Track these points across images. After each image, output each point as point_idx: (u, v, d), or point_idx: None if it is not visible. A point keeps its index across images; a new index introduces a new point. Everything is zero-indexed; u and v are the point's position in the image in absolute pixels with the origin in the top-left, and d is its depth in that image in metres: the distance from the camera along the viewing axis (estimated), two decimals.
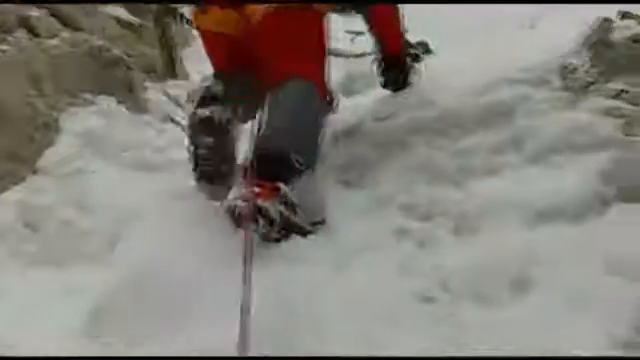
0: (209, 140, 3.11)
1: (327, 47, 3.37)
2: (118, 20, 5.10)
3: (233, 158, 3.19)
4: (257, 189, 2.78)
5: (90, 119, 3.92)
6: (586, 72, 3.14)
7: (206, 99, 3.20)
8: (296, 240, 2.76)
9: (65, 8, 4.51)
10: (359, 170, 3.27)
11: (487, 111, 3.15)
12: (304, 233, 2.84)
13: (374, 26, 3.86)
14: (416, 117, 3.36)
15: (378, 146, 3.33)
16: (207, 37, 3.49)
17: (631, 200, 2.41)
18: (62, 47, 4.10)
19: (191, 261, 2.69)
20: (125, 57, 4.58)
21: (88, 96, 4.08)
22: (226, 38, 3.33)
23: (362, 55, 4.35)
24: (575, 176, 2.56)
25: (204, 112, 3.11)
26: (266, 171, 2.84)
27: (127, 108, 4.31)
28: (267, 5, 3.13)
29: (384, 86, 3.97)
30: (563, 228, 2.42)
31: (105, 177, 3.48)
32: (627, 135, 2.66)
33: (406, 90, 3.85)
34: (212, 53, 3.54)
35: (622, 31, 3.28)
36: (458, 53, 4.28)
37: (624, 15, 3.48)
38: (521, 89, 3.18)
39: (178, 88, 5.02)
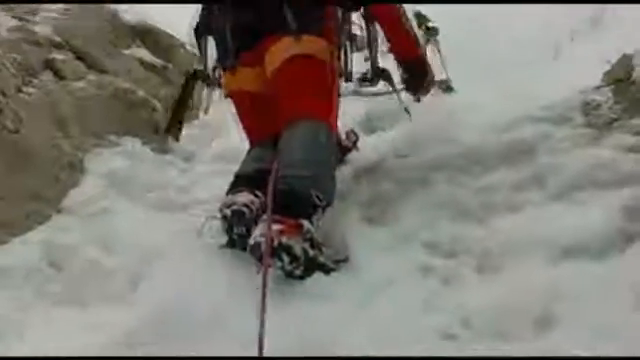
0: (242, 229, 3.10)
1: (338, 91, 3.46)
2: (142, 62, 5.16)
3: None
4: (280, 226, 2.77)
5: (115, 160, 3.98)
6: (609, 109, 3.14)
7: (238, 180, 3.32)
8: (319, 277, 2.74)
9: (90, 51, 4.58)
10: (381, 207, 3.27)
11: (509, 148, 3.16)
12: (327, 270, 2.83)
13: (385, 33, 3.75)
14: (438, 154, 3.37)
15: (400, 183, 3.33)
16: (237, 98, 3.62)
17: None
18: (88, 89, 4.17)
19: (213, 300, 2.68)
20: (149, 98, 4.64)
21: (113, 137, 4.14)
22: (252, 96, 3.49)
23: (381, 94, 4.37)
24: (599, 213, 2.55)
25: (236, 202, 3.13)
26: (288, 209, 2.84)
27: (151, 149, 4.36)
28: (282, 54, 3.25)
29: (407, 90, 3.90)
30: (587, 265, 2.40)
31: (129, 217, 3.51)
32: None
33: (427, 127, 3.85)
34: (241, 114, 3.67)
35: None
36: (479, 87, 4.31)
37: None
38: (543, 126, 3.19)
39: (200, 128, 5.07)
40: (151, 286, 2.93)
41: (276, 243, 2.72)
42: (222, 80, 3.68)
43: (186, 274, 2.95)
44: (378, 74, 3.70)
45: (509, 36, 6.44)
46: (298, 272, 2.79)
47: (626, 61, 3.41)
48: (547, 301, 2.26)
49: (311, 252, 2.81)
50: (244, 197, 3.15)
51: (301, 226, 2.82)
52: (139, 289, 2.96)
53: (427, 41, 4.18)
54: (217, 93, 5.20)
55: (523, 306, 2.29)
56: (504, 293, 2.39)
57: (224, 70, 3.60)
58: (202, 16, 3.70)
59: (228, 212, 3.13)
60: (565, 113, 3.25)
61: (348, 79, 3.64)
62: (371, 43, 3.59)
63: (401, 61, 3.78)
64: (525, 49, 5.84)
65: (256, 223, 2.93)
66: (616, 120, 3.06)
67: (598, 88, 3.33)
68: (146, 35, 5.64)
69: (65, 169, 3.59)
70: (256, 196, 3.14)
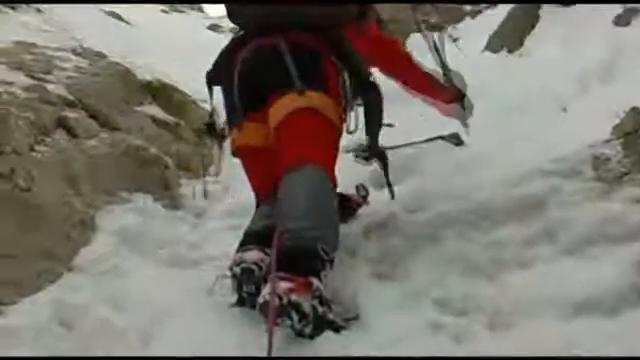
0: (251, 287, 3.12)
1: (338, 143, 3.51)
2: (154, 119, 5.23)
3: None
4: (289, 284, 2.76)
5: (126, 216, 4.01)
6: (619, 162, 3.14)
7: (248, 237, 3.34)
8: (328, 336, 2.73)
9: (103, 109, 4.64)
10: (391, 263, 3.27)
11: (518, 203, 3.15)
12: (337, 329, 2.81)
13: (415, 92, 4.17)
14: (447, 209, 3.38)
15: (410, 239, 3.33)
16: (243, 154, 3.67)
17: None
18: (100, 147, 4.22)
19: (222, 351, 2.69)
20: (161, 155, 4.69)
21: (125, 194, 4.18)
22: (258, 151, 3.54)
23: (392, 147, 4.43)
24: (611, 268, 2.53)
25: (245, 260, 3.16)
26: (296, 266, 2.83)
27: (163, 205, 4.40)
28: (286, 108, 3.30)
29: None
30: (600, 321, 2.37)
31: (141, 274, 3.52)
32: None
33: (436, 181, 3.88)
34: (248, 170, 3.71)
35: None
36: (488, 138, 4.33)
37: None
38: (553, 180, 3.18)
39: (211, 184, 5.10)
40: (162, 345, 2.93)
41: (285, 301, 2.71)
42: (230, 137, 3.70)
43: (197, 334, 2.95)
44: (375, 154, 3.67)
45: (518, 88, 6.46)
46: (308, 330, 2.76)
47: (635, 114, 3.42)
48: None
49: (320, 310, 2.79)
50: (253, 255, 3.17)
51: (310, 284, 2.81)
52: (150, 348, 2.95)
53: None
54: (225, 150, 5.27)
55: None
56: (516, 350, 2.36)
57: (231, 127, 3.65)
58: (215, 65, 3.76)
59: (238, 270, 3.16)
60: (575, 167, 3.25)
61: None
62: (370, 120, 3.53)
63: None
64: (534, 101, 5.85)
65: (265, 281, 2.90)
66: (626, 174, 3.05)
67: (607, 142, 3.33)
68: (158, 92, 5.74)
69: (77, 227, 3.60)
70: (266, 253, 3.13)
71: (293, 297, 2.73)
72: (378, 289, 3.08)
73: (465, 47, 10.09)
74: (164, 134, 5.20)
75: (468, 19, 13.81)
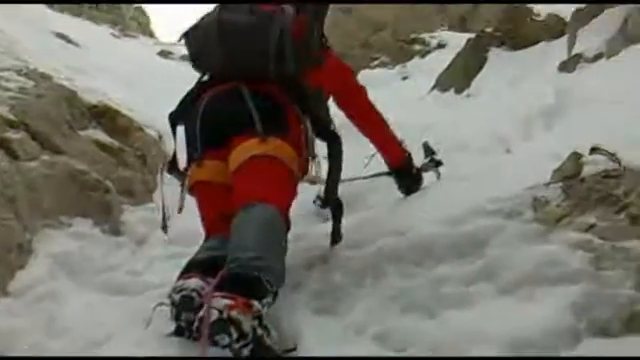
0: (190, 315, 3.00)
1: (295, 191, 3.62)
2: (98, 143, 5.18)
3: None
4: (230, 302, 2.74)
5: (65, 241, 3.95)
6: (558, 205, 3.19)
7: (190, 265, 3.29)
8: None
9: (45, 131, 4.58)
10: (333, 297, 3.26)
11: (460, 241, 3.17)
12: (275, 357, 2.80)
13: (368, 138, 4.20)
14: (390, 245, 3.38)
15: (352, 274, 3.33)
16: (200, 188, 3.65)
17: (602, 335, 2.41)
18: (41, 170, 4.16)
19: None
20: (103, 180, 4.63)
21: (64, 218, 4.11)
22: (216, 186, 3.56)
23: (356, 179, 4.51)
24: (547, 309, 2.56)
25: (186, 288, 3.08)
26: (238, 288, 2.82)
27: (103, 231, 4.34)
28: (246, 153, 3.38)
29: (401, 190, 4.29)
30: None
31: (78, 301, 3.45)
32: (597, 269, 2.68)
33: (380, 217, 3.91)
34: (203, 204, 3.68)
35: (593, 166, 3.36)
36: (434, 177, 4.40)
37: (594, 149, 3.57)
38: (494, 220, 3.21)
39: (154, 211, 5.05)
40: None
41: (225, 315, 2.70)
42: (189, 173, 3.69)
43: None
44: (331, 203, 3.83)
45: (464, 127, 6.56)
46: (245, 352, 2.75)
47: (576, 158, 3.48)
48: None
49: (259, 331, 2.78)
50: (194, 282, 3.09)
51: (251, 305, 2.79)
52: None
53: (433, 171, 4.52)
54: (168, 178, 5.23)
55: None
56: None
57: (190, 164, 3.67)
58: (179, 105, 3.81)
59: (177, 298, 3.07)
60: (515, 207, 3.28)
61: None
62: (330, 169, 3.69)
63: (394, 167, 4.23)
64: (479, 141, 5.95)
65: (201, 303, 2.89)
66: (565, 216, 3.10)
67: (548, 184, 3.39)
68: (104, 116, 5.68)
69: (13, 251, 3.53)
70: (207, 282, 3.04)
71: (233, 313, 2.71)
72: (319, 323, 3.08)
73: (414, 86, 10.26)
74: (107, 159, 5.14)
75: (417, 58, 14.00)
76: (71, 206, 4.23)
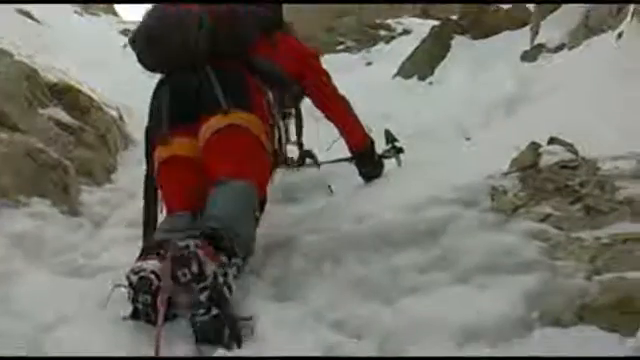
0: (147, 297, 2.98)
1: (268, 160, 3.75)
2: (58, 122, 5.11)
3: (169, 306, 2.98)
4: (201, 250, 2.86)
5: (22, 221, 3.88)
6: (515, 195, 3.23)
7: (149, 247, 3.27)
8: (223, 353, 2.73)
9: (4, 108, 4.51)
10: (292, 283, 3.27)
11: (418, 229, 3.20)
12: (229, 320, 2.87)
13: (332, 122, 4.24)
14: (350, 232, 3.40)
15: (312, 260, 3.34)
16: (166, 165, 3.61)
17: (554, 324, 2.46)
18: None
19: None
20: (62, 159, 4.57)
21: (21, 197, 4.04)
22: (183, 160, 3.56)
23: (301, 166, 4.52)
24: (501, 298, 2.61)
25: (144, 269, 3.01)
26: (205, 232, 3.02)
27: (61, 211, 4.27)
28: (212, 128, 3.47)
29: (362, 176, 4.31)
30: (488, 350, 2.44)
31: (33, 281, 3.40)
32: (552, 259, 2.73)
33: (340, 203, 3.92)
34: (167, 180, 3.65)
35: (550, 156, 3.41)
36: (394, 164, 4.42)
37: (552, 140, 3.62)
38: (451, 208, 3.24)
39: (113, 192, 5.01)
40: (52, 354, 2.85)
41: (191, 251, 2.83)
42: (155, 155, 3.68)
43: (88, 345, 2.88)
44: (305, 155, 4.14)
45: (426, 114, 6.60)
46: (203, 297, 2.82)
47: (534, 149, 3.53)
48: None
49: (220, 279, 2.88)
50: (152, 264, 3.04)
51: (218, 256, 2.95)
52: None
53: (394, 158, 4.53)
54: (129, 158, 5.19)
55: None
56: None
57: (155, 146, 3.67)
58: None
59: (135, 279, 3.02)
60: (473, 196, 3.32)
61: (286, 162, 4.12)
62: (300, 126, 3.99)
63: (357, 152, 4.25)
64: (440, 128, 5.99)
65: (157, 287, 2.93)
66: (522, 206, 3.14)
67: (506, 174, 3.43)
68: (65, 95, 5.60)
69: None
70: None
71: (200, 252, 2.84)
72: (277, 309, 3.07)
73: (377, 72, 10.27)
74: (66, 138, 5.07)
75: (382, 44, 14.00)
76: (29, 185, 4.15)
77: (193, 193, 3.47)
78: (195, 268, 2.80)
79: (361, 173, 4.32)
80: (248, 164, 3.46)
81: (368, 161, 4.32)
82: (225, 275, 2.92)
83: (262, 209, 3.69)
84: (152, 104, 3.78)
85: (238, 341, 2.85)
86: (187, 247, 2.83)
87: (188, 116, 3.56)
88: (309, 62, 4.22)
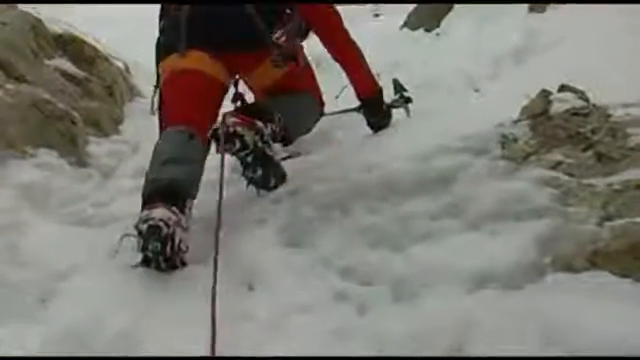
0: (157, 245, 3.01)
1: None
2: (63, 73, 5.07)
3: (179, 253, 3.10)
4: (236, 119, 3.49)
5: (29, 172, 3.87)
6: (525, 143, 3.20)
7: (153, 194, 3.24)
8: (239, 294, 2.82)
9: (10, 59, 4.48)
10: (300, 231, 3.27)
11: (428, 177, 3.18)
12: (277, 165, 3.73)
13: (343, 67, 4.25)
14: (358, 181, 3.38)
15: (320, 208, 3.33)
16: (181, 77, 3.74)
17: (566, 269, 2.45)
18: (4, 98, 4.06)
19: (127, 320, 2.65)
20: (69, 110, 4.55)
21: (29, 148, 4.03)
22: (201, 74, 3.73)
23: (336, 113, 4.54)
24: (512, 244, 2.60)
25: (152, 217, 3.05)
26: (248, 113, 3.62)
27: (69, 162, 4.27)
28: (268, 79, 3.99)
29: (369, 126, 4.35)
30: (501, 295, 2.45)
31: (42, 232, 3.41)
32: (563, 205, 2.71)
33: (348, 153, 3.91)
34: (174, 92, 3.75)
35: (561, 103, 3.37)
36: (402, 113, 4.41)
37: (563, 87, 3.59)
38: (461, 157, 3.22)
39: (120, 143, 5.00)
40: (62, 304, 2.86)
41: (231, 130, 3.43)
42: (164, 63, 3.83)
43: (98, 293, 2.89)
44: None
45: (433, 66, 6.55)
46: (249, 159, 3.55)
47: (544, 96, 3.49)
48: (460, 332, 2.30)
49: (260, 144, 3.54)
50: (160, 212, 3.07)
51: (254, 124, 3.54)
52: (49, 307, 2.87)
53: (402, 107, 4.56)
54: (135, 110, 5.16)
55: (437, 336, 2.33)
56: (418, 322, 2.43)
57: (166, 55, 3.82)
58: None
59: (144, 227, 3.03)
60: (483, 145, 3.29)
61: None
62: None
63: (365, 99, 4.24)
64: (448, 79, 5.94)
65: (172, 239, 3.02)
66: (532, 154, 3.12)
67: (516, 122, 3.40)
68: (70, 46, 5.57)
69: None
70: (173, 212, 3.09)
71: (238, 128, 3.45)
72: (286, 254, 3.10)
73: (385, 23, 10.16)
74: (73, 89, 5.04)
75: None
76: (36, 136, 4.14)
77: (196, 110, 3.65)
78: (238, 143, 3.46)
79: (369, 123, 4.30)
80: (308, 84, 4.25)
81: (376, 110, 4.29)
82: (262, 137, 3.56)
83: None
84: (165, 24, 3.95)
85: (283, 179, 3.74)
86: (229, 128, 3.44)
87: (212, 41, 3.73)
88: (323, 6, 4.18)
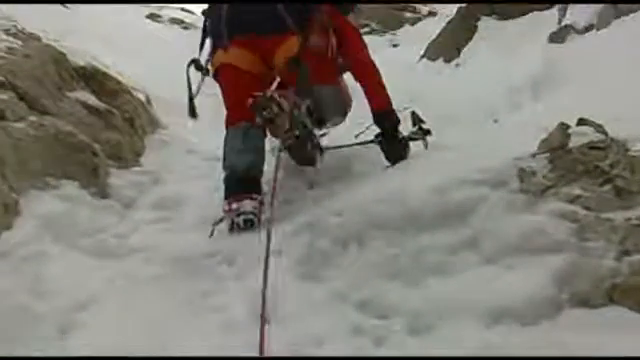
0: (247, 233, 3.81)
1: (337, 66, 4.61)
2: (85, 105, 5.13)
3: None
4: (278, 91, 3.88)
5: (52, 203, 3.92)
6: (544, 176, 3.20)
7: (234, 183, 4.05)
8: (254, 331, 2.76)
9: (33, 91, 4.54)
10: (317, 264, 3.27)
11: (445, 210, 3.18)
12: (310, 136, 4.32)
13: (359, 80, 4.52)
14: (376, 213, 3.38)
15: (338, 241, 3.33)
16: (225, 71, 4.30)
17: (584, 305, 2.45)
18: (28, 131, 4.13)
19: (147, 351, 2.67)
20: (91, 142, 4.60)
21: (51, 180, 4.09)
22: (241, 72, 4.23)
23: (331, 148, 4.58)
24: (530, 279, 2.59)
25: (244, 211, 3.90)
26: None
27: (90, 193, 4.32)
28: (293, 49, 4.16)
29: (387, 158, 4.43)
30: (518, 330, 2.45)
31: (64, 262, 3.45)
32: (581, 240, 2.71)
33: (366, 185, 3.91)
34: (228, 88, 4.33)
35: (579, 137, 3.37)
36: (421, 145, 4.41)
37: (581, 121, 3.58)
38: (479, 190, 3.21)
39: (141, 174, 5.04)
40: (81, 335, 2.89)
41: (268, 95, 3.83)
42: (213, 59, 4.37)
43: (119, 322, 2.92)
44: None
45: (452, 97, 6.56)
46: (287, 124, 3.90)
47: (563, 130, 3.49)
48: None
49: (295, 112, 4.03)
50: (250, 205, 3.92)
51: (294, 99, 3.95)
52: (69, 336, 2.90)
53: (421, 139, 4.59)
54: (156, 141, 5.22)
55: None
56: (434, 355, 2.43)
57: (215, 51, 4.35)
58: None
59: (240, 220, 3.88)
60: (501, 178, 3.28)
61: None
62: None
63: (376, 111, 4.38)
64: (467, 110, 5.96)
65: (259, 220, 3.91)
66: (551, 187, 3.11)
67: (534, 155, 3.40)
68: (92, 78, 5.64)
69: None
70: (255, 200, 3.96)
71: (275, 95, 3.84)
72: (303, 288, 3.10)
73: (403, 54, 10.23)
74: (95, 121, 5.10)
75: (407, 26, 13.94)
76: (58, 168, 4.20)
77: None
78: (274, 107, 3.82)
79: (385, 154, 4.37)
80: (332, 75, 4.51)
81: (392, 140, 4.37)
82: (299, 107, 4.08)
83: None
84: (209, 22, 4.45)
85: (322, 152, 4.40)
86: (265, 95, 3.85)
87: (246, 30, 4.17)
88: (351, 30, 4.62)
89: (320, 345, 2.66)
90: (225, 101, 4.36)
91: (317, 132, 4.64)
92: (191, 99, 4.39)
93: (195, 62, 4.41)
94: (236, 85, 4.24)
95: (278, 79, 4.07)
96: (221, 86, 4.38)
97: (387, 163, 4.32)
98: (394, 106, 4.43)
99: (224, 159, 4.15)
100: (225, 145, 4.19)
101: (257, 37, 4.18)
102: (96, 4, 12.00)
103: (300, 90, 4.08)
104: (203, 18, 4.55)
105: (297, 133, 4.13)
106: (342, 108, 4.69)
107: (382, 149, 4.37)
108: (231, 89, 4.30)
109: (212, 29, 4.37)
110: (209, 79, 4.42)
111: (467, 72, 7.77)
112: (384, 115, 4.36)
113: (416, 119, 4.63)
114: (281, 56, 4.16)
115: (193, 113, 4.44)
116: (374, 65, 4.48)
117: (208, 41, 4.46)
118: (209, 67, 4.41)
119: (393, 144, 4.36)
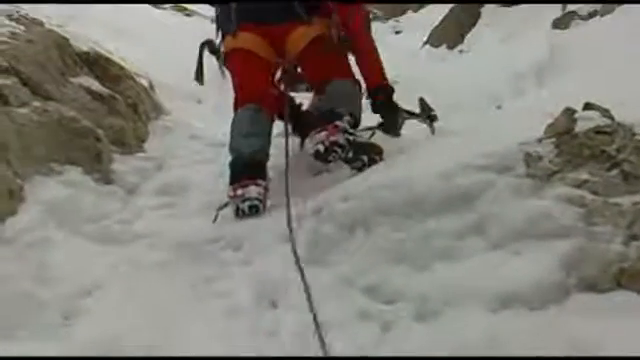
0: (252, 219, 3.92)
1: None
2: (89, 91, 5.12)
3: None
4: (325, 132, 3.99)
5: (56, 189, 3.92)
6: (550, 161, 3.18)
7: (239, 169, 4.11)
8: (265, 314, 2.78)
9: (36, 77, 4.52)
10: (324, 249, 3.27)
11: (451, 195, 3.16)
12: (370, 145, 4.20)
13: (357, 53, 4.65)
14: (382, 199, 3.37)
15: (344, 226, 3.32)
16: (235, 55, 4.41)
17: (591, 289, 2.43)
18: (32, 116, 4.11)
19: (149, 337, 2.67)
20: (94, 128, 4.59)
21: (55, 166, 4.08)
22: (251, 54, 4.35)
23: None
24: (537, 264, 2.58)
25: (249, 197, 3.97)
26: (324, 119, 4.07)
27: (94, 179, 4.31)
28: (305, 37, 4.36)
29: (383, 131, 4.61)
30: (525, 315, 2.44)
31: (68, 248, 3.45)
32: (588, 224, 2.69)
33: (372, 170, 3.91)
34: (237, 70, 4.42)
35: (585, 122, 3.35)
36: (426, 131, 4.41)
37: (587, 105, 3.56)
38: (485, 175, 3.19)
39: (145, 160, 5.03)
40: (84, 321, 2.89)
41: (327, 144, 3.98)
42: (223, 45, 4.51)
43: (123, 307, 2.92)
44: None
45: (456, 83, 6.54)
46: (350, 155, 4.05)
47: (569, 115, 3.47)
48: (483, 351, 2.29)
49: (351, 138, 4.03)
50: (254, 191, 3.99)
51: (337, 125, 4.02)
52: (73, 323, 2.90)
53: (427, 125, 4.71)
54: (159, 127, 5.21)
55: (461, 354, 2.33)
56: (442, 341, 2.43)
57: (224, 37, 4.48)
58: None
59: (245, 207, 3.95)
60: (507, 163, 3.26)
61: None
62: None
63: (371, 87, 4.52)
64: (471, 96, 5.95)
65: (264, 206, 4.02)
66: (557, 172, 3.10)
67: (540, 140, 3.38)
68: (96, 64, 5.63)
69: (4, 196, 3.51)
70: (260, 186, 4.03)
71: (331, 138, 3.97)
72: (310, 274, 3.08)
73: (406, 40, 10.21)
74: (98, 107, 5.08)
75: (410, 12, 13.89)
76: (62, 153, 4.19)
77: (258, 86, 4.31)
78: (338, 149, 4.00)
79: (384, 126, 4.60)
80: (343, 66, 4.48)
81: (388, 108, 4.56)
82: (347, 132, 4.04)
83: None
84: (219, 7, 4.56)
85: (380, 154, 4.15)
86: (324, 143, 3.98)
87: (254, 17, 4.30)
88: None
89: (327, 330, 2.65)
90: (234, 84, 4.44)
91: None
92: (200, 63, 4.54)
93: (209, 43, 4.57)
94: (245, 67, 4.35)
95: (281, 68, 4.28)
96: (231, 71, 4.48)
97: (391, 149, 4.30)
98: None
99: (230, 142, 4.24)
100: (232, 128, 4.27)
101: (267, 24, 4.30)
102: None
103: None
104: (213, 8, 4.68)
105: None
106: (360, 99, 4.59)
107: (371, 105, 4.60)
108: (240, 71, 4.40)
109: (222, 17, 4.50)
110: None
111: (471, 58, 7.76)
112: (379, 88, 4.53)
113: (425, 106, 4.64)
114: (293, 45, 4.33)
115: (200, 76, 4.59)
116: (373, 41, 4.65)
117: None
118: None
119: (390, 112, 4.56)
